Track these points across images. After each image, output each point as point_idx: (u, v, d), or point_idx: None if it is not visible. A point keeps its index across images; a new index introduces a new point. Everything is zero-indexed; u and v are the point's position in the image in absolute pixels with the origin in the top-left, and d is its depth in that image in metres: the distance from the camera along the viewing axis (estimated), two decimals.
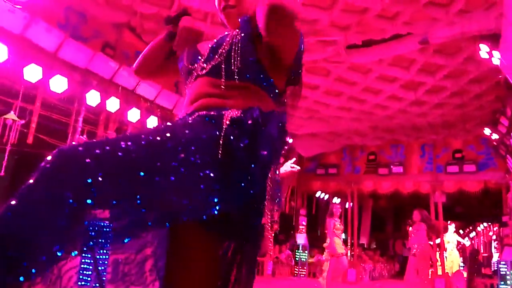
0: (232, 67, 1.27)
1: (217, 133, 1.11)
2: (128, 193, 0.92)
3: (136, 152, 0.96)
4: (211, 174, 1.04)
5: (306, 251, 11.26)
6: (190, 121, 1.16)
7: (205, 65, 1.32)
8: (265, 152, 1.09)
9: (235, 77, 1.27)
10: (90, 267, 3.67)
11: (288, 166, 3.04)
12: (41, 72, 5.34)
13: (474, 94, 7.94)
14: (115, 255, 1.26)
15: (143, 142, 0.99)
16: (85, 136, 6.33)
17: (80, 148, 0.90)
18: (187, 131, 1.08)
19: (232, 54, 1.28)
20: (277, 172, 1.30)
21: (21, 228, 0.79)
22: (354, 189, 11.93)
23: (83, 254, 0.94)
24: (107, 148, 0.93)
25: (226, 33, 1.40)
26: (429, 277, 7.65)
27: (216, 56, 1.31)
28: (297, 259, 11.19)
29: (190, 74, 1.37)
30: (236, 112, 1.17)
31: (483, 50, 6.08)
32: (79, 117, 6.14)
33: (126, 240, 0.95)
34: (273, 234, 11.18)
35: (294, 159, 3.13)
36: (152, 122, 6.89)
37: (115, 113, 6.47)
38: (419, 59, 7.05)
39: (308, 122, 9.83)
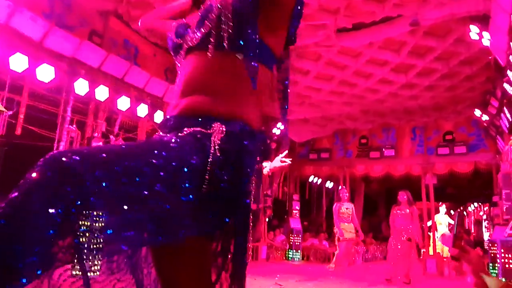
0: (223, 33, 1.18)
1: (203, 159, 1.08)
2: (117, 207, 0.90)
3: (125, 166, 0.93)
4: (193, 199, 1.03)
5: (299, 236, 11.37)
6: (178, 141, 1.10)
7: (195, 35, 1.23)
8: (249, 185, 1.12)
9: (225, 43, 1.18)
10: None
11: (279, 161, 3.00)
12: (27, 62, 5.24)
13: (464, 75, 7.96)
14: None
15: (130, 157, 0.96)
16: (74, 126, 6.26)
17: (76, 157, 0.87)
18: (174, 153, 1.04)
19: (223, 18, 1.19)
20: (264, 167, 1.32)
21: (13, 236, 0.77)
22: (347, 173, 12.01)
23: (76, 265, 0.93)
24: (102, 157, 0.91)
25: None
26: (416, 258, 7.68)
27: (207, 22, 1.21)
28: (290, 243, 11.31)
29: (181, 48, 1.28)
30: (222, 130, 1.12)
31: (473, 31, 6.08)
32: (68, 107, 6.06)
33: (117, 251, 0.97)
34: (266, 220, 11.26)
35: (286, 152, 3.08)
36: (142, 110, 6.82)
37: (105, 102, 6.39)
38: (409, 41, 7.04)
39: (300, 107, 9.81)
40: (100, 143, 6.01)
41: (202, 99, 1.18)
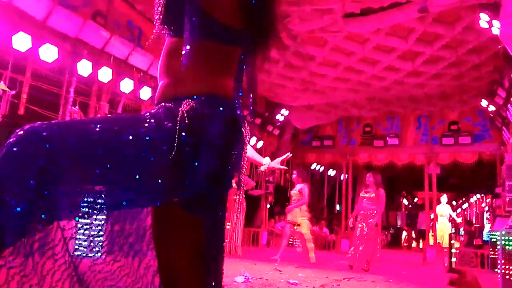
0: (167, 12, 1.23)
1: (173, 127, 1.13)
2: (89, 172, 0.99)
3: (99, 134, 1.02)
4: (167, 163, 1.09)
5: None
6: (152, 112, 1.19)
7: (161, 16, 1.26)
8: (208, 159, 1.14)
9: (171, 29, 1.24)
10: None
11: (278, 163, 2.93)
12: (30, 41, 5.19)
13: (472, 64, 7.85)
14: (110, 225, 1.29)
15: (103, 127, 1.04)
16: (77, 107, 6.24)
17: (45, 133, 0.95)
18: (152, 120, 1.12)
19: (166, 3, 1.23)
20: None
21: None
22: (350, 161, 11.97)
23: (80, 220, 1.06)
24: (70, 130, 1.00)
25: None
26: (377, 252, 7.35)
27: (159, 8, 1.25)
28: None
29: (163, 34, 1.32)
30: (189, 102, 1.17)
31: (483, 19, 5.97)
32: (71, 88, 6.02)
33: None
34: (268, 206, 11.29)
35: (287, 154, 3.01)
36: (145, 92, 6.78)
37: (108, 84, 6.35)
38: (417, 28, 6.92)
39: (304, 93, 9.73)
40: None
41: (167, 83, 1.26)
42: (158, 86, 1.29)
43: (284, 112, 10.69)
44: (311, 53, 7.96)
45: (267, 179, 10.95)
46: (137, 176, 1.02)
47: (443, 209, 12.19)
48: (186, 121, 1.12)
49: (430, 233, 11.40)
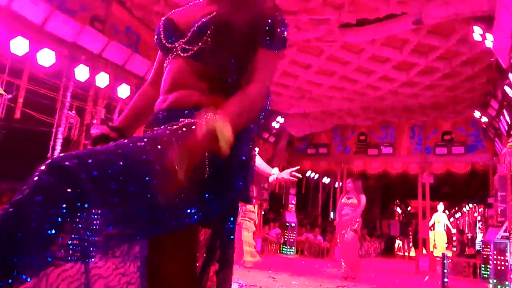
0: (209, 51, 1.23)
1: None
2: (114, 204, 0.97)
3: (121, 164, 0.99)
4: (189, 187, 1.05)
5: (294, 231, 11.37)
6: (168, 132, 1.14)
7: (187, 46, 1.25)
8: (240, 183, 1.17)
9: (208, 60, 1.24)
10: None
11: (287, 174, 2.90)
12: (28, 45, 5.21)
13: (466, 76, 7.95)
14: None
15: (121, 152, 1.01)
16: (74, 112, 6.24)
17: (74, 160, 0.93)
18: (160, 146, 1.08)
19: (213, 38, 1.23)
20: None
21: (13, 236, 0.83)
22: (344, 169, 12.02)
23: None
24: (100, 160, 0.96)
25: (213, 10, 1.27)
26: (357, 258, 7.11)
27: (199, 42, 1.24)
28: (285, 237, 11.34)
29: (170, 51, 1.30)
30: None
31: (477, 32, 6.06)
32: (67, 92, 6.04)
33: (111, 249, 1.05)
34: (262, 213, 11.29)
35: (297, 167, 2.97)
36: None
37: (105, 89, 6.36)
38: (412, 39, 7.01)
39: (300, 101, 9.80)
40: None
41: (190, 92, 1.23)
42: (168, 93, 1.26)
43: (280, 119, 10.74)
44: (307, 62, 8.03)
45: (262, 186, 10.95)
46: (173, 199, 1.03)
47: (441, 217, 12.24)
48: None
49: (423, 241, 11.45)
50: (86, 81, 6.03)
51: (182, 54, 1.26)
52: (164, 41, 1.30)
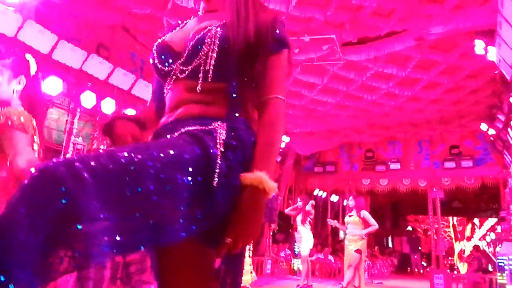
0: (208, 68, 1.22)
1: (201, 152, 1.08)
2: (113, 212, 0.89)
3: (118, 170, 0.92)
4: (191, 196, 1.02)
5: None
6: (175, 138, 1.13)
7: (184, 68, 1.25)
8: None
9: (209, 76, 1.22)
10: None
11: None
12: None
13: (470, 89, 7.95)
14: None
15: (123, 160, 0.94)
16: (80, 138, 6.30)
17: (63, 168, 0.84)
18: (171, 151, 1.03)
19: (210, 54, 1.21)
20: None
21: (4, 252, 0.76)
22: (352, 186, 11.93)
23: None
24: (92, 164, 0.88)
25: (206, 25, 1.27)
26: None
27: (196, 60, 1.23)
28: (295, 260, 11.17)
29: (168, 75, 1.29)
30: (222, 127, 1.16)
31: (479, 46, 6.08)
32: (74, 119, 6.11)
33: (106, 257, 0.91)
34: (271, 233, 11.18)
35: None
36: None
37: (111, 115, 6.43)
38: (414, 56, 7.05)
39: (305, 120, 9.82)
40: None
41: (197, 105, 1.22)
42: (174, 110, 1.25)
43: (286, 138, 10.75)
44: (311, 81, 8.08)
45: (270, 206, 10.87)
46: (182, 207, 0.99)
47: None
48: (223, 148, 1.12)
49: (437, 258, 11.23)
50: (92, 108, 6.10)
51: (181, 76, 1.25)
52: (161, 66, 1.29)
